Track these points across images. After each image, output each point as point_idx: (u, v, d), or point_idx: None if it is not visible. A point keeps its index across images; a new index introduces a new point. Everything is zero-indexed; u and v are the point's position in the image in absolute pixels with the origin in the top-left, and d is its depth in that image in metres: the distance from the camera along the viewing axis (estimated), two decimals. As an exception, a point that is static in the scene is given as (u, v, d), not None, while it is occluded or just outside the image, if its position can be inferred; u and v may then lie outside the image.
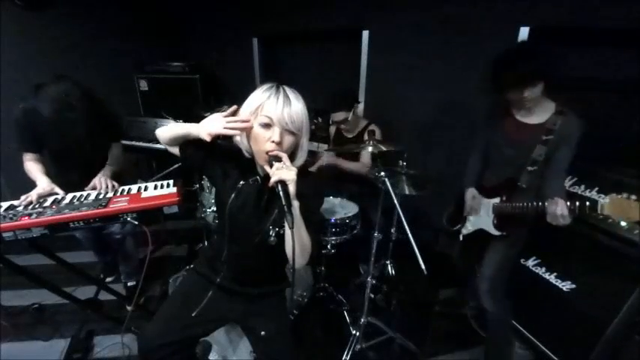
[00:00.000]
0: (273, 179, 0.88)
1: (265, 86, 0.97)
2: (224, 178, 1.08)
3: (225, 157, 1.09)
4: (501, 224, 1.49)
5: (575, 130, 1.29)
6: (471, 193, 1.61)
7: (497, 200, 1.50)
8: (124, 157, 1.89)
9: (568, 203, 1.22)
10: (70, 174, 1.69)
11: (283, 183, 0.87)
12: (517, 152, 1.41)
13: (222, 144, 1.09)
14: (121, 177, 1.74)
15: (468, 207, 1.61)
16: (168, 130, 1.09)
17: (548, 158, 1.35)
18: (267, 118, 0.93)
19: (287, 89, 0.97)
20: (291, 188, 0.88)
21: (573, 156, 1.32)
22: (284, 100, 0.93)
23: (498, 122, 1.48)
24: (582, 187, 1.51)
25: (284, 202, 0.85)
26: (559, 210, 1.22)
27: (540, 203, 1.29)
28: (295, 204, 0.91)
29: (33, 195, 1.39)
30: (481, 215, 1.57)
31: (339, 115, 2.07)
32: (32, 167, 1.61)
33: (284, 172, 0.87)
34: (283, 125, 0.93)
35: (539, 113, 1.36)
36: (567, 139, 1.30)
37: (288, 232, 0.88)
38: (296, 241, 0.91)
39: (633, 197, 1.07)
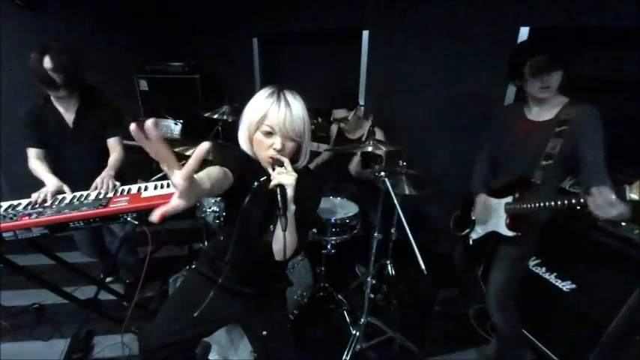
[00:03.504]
0: (272, 183, 0.91)
1: (267, 91, 0.99)
2: (238, 183, 1.09)
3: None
4: (514, 224, 1.41)
5: (591, 117, 1.20)
6: (482, 198, 1.55)
7: (509, 199, 1.43)
8: (124, 153, 1.84)
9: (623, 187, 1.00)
10: (72, 177, 1.66)
11: (282, 187, 0.89)
12: (530, 151, 1.36)
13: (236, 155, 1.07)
14: (123, 177, 1.74)
15: (479, 214, 1.55)
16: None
17: (564, 151, 1.25)
18: (269, 127, 0.96)
19: (287, 94, 0.97)
20: (290, 192, 0.90)
21: (605, 154, 1.18)
22: (285, 107, 0.95)
23: (508, 125, 1.45)
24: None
25: (280, 205, 0.88)
26: (605, 197, 1.01)
27: (559, 202, 1.16)
28: (292, 207, 0.93)
29: (48, 193, 1.42)
30: (492, 217, 1.51)
31: (339, 113, 2.09)
32: (37, 166, 1.63)
33: (284, 177, 0.90)
34: (284, 133, 0.96)
35: (551, 109, 1.32)
36: (584, 128, 1.21)
37: (279, 232, 0.91)
38: (287, 238, 0.94)
39: None
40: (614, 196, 1.00)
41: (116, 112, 1.83)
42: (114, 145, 1.81)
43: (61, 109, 1.68)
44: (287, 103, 0.95)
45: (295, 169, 0.96)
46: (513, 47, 1.33)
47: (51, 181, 1.52)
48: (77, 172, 1.69)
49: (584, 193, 1.10)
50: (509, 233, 1.42)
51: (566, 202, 1.14)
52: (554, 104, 1.31)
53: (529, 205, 1.29)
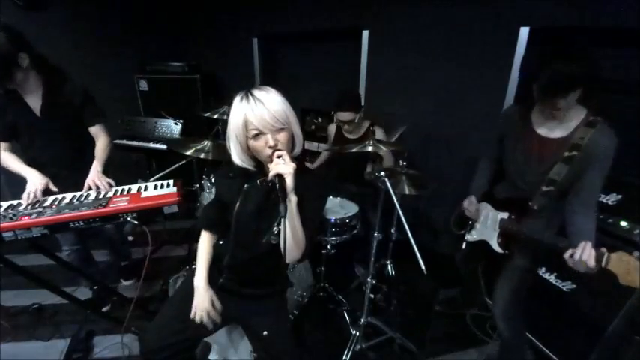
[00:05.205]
0: (271, 173, 0.93)
1: (238, 98, 1.00)
2: (228, 188, 1.11)
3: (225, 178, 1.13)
4: (506, 243, 1.39)
5: (609, 148, 1.09)
6: (469, 200, 1.52)
7: (505, 216, 1.39)
8: (109, 140, 1.71)
9: (601, 250, 1.02)
10: (49, 171, 1.56)
11: (280, 176, 0.91)
12: (533, 170, 1.27)
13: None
14: (114, 172, 1.68)
15: (466, 212, 1.53)
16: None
17: (569, 179, 1.17)
18: (254, 130, 0.97)
19: (255, 92, 0.98)
20: (289, 181, 0.92)
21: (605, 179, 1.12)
22: (258, 104, 0.95)
23: (515, 134, 1.33)
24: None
25: (279, 194, 0.90)
26: (584, 255, 1.04)
27: (547, 240, 1.18)
28: (293, 198, 0.94)
29: (37, 191, 1.37)
30: (487, 226, 1.48)
31: (345, 115, 2.02)
32: (9, 160, 1.52)
33: (281, 167, 0.92)
34: (270, 128, 0.96)
35: (565, 124, 1.17)
36: (597, 158, 1.10)
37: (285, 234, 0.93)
38: (290, 233, 0.96)
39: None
40: (592, 263, 1.03)
41: (88, 95, 1.64)
42: (97, 133, 1.67)
43: (23, 95, 1.49)
44: (258, 100, 0.96)
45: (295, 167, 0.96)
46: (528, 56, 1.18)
47: (33, 179, 1.43)
48: (54, 164, 1.58)
49: (569, 234, 1.17)
50: (499, 250, 1.40)
51: (552, 242, 1.18)
52: (567, 120, 1.18)
53: (521, 231, 1.29)
